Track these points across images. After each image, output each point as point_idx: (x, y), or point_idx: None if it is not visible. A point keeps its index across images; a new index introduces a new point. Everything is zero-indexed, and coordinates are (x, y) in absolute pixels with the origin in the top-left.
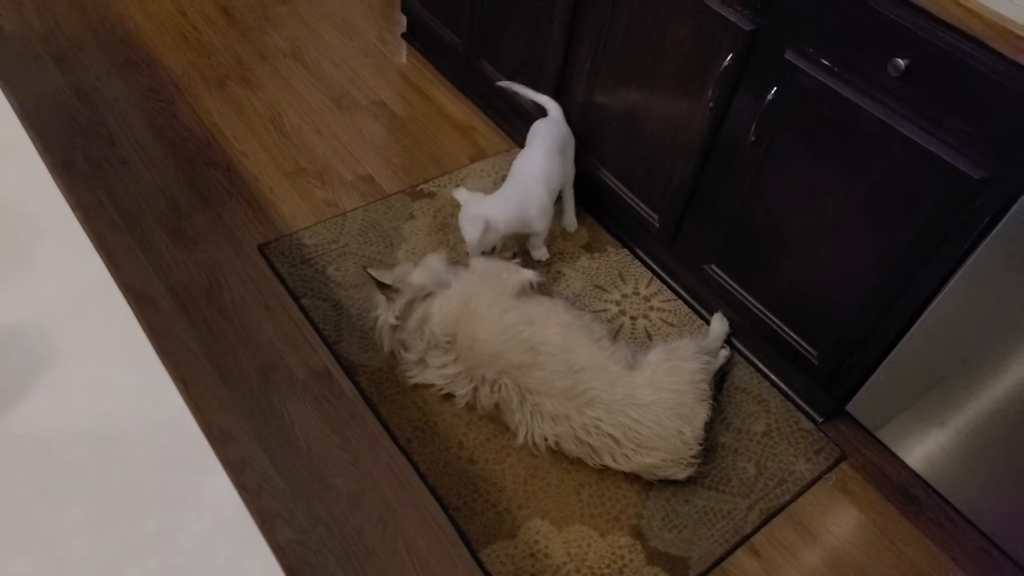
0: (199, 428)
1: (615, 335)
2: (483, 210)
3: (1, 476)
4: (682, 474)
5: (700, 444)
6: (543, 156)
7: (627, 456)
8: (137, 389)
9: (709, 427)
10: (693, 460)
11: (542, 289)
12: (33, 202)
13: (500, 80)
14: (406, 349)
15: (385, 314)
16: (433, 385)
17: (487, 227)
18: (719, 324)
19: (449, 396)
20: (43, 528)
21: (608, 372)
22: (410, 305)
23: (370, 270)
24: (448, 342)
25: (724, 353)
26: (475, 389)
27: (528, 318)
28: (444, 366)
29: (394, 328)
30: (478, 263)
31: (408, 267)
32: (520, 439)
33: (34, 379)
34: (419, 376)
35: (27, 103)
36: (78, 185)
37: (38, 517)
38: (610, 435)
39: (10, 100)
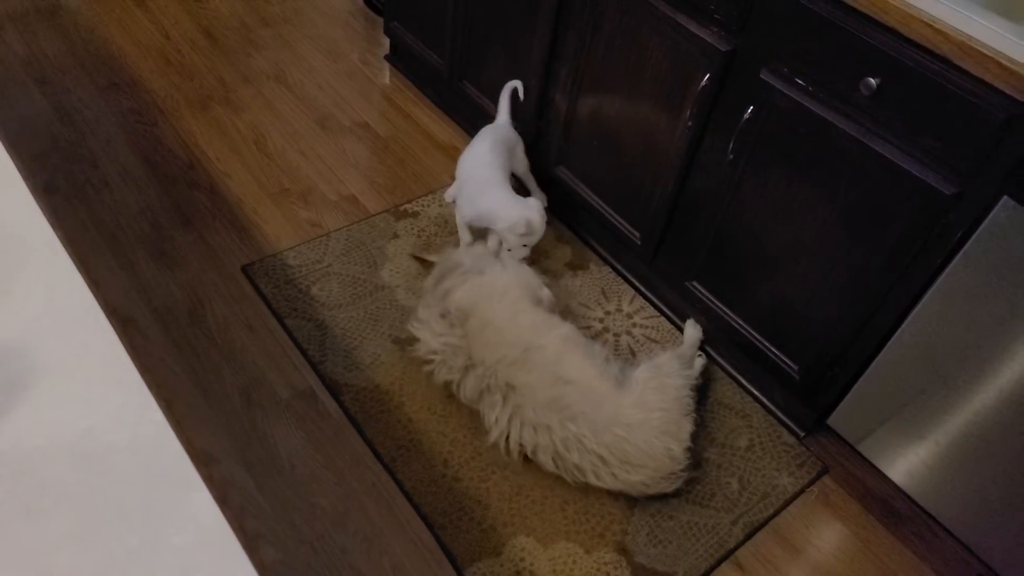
0: (181, 444)
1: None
2: (522, 204)
3: None
4: (670, 488)
5: (687, 462)
6: (488, 149)
7: (613, 475)
8: (119, 406)
9: (694, 438)
10: (681, 473)
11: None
12: (15, 223)
13: (482, 98)
14: (425, 305)
15: (428, 279)
16: (426, 359)
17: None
18: (693, 330)
19: (435, 412)
20: (27, 544)
21: (596, 391)
22: (444, 273)
23: (414, 254)
24: (459, 319)
25: (700, 361)
26: (466, 369)
27: (535, 323)
28: (444, 335)
29: (430, 289)
30: (513, 263)
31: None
32: (492, 438)
33: (17, 397)
34: (419, 330)
35: (9, 126)
36: (60, 207)
37: (21, 533)
38: (595, 452)
39: None
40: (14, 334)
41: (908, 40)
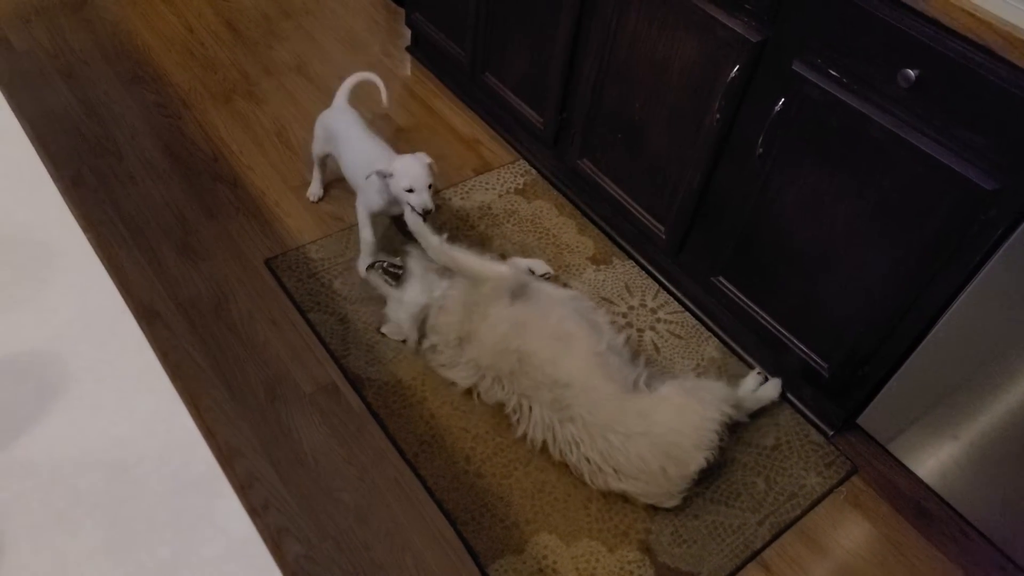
0: (212, 453)
1: (627, 345)
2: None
3: (17, 502)
4: (667, 504)
5: (688, 485)
6: (365, 138)
7: (607, 480)
8: (151, 414)
9: (706, 472)
10: (677, 495)
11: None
12: (46, 227)
13: (504, 90)
14: (451, 366)
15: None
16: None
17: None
18: (772, 390)
19: (457, 408)
20: (59, 555)
21: (596, 392)
22: (421, 327)
23: (383, 331)
24: (458, 341)
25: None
26: (481, 378)
27: (520, 324)
28: (458, 364)
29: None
30: (459, 261)
31: (396, 306)
32: (519, 433)
33: (49, 404)
34: (448, 372)
35: (35, 119)
36: (86, 200)
37: (54, 543)
38: (586, 458)
39: (19, 118)
40: (45, 340)
41: (950, 30)
